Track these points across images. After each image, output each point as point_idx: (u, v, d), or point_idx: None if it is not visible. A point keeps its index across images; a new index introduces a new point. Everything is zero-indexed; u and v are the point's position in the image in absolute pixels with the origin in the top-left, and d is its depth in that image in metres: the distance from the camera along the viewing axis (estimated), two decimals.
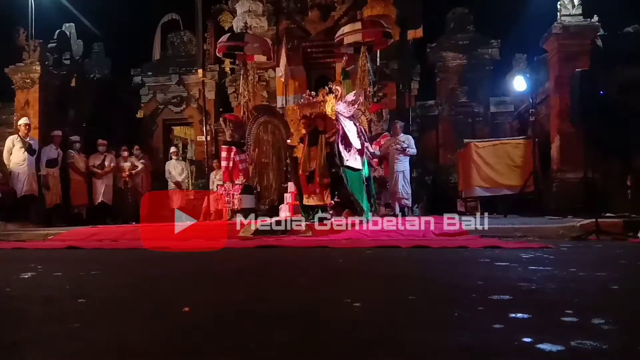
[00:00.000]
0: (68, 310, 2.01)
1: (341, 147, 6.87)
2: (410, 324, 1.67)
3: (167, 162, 11.79)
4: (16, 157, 9.60)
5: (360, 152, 7.10)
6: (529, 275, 2.68)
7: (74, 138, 10.86)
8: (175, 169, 11.58)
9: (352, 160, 6.93)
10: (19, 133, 9.75)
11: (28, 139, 9.75)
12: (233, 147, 8.54)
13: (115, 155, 11.07)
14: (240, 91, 9.67)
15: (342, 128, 6.90)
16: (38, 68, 11.34)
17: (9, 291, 2.58)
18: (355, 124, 7.18)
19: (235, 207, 8.37)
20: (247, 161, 8.47)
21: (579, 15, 9.03)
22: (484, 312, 1.77)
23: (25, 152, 9.59)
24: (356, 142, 7.00)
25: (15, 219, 9.25)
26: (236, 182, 8.52)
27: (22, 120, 9.86)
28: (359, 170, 7.03)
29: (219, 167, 9.61)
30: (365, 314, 1.83)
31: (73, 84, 12.70)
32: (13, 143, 9.66)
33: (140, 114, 14.02)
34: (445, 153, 12.76)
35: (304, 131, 7.05)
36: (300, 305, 2.06)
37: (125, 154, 11.13)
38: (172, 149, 12.06)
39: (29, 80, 11.39)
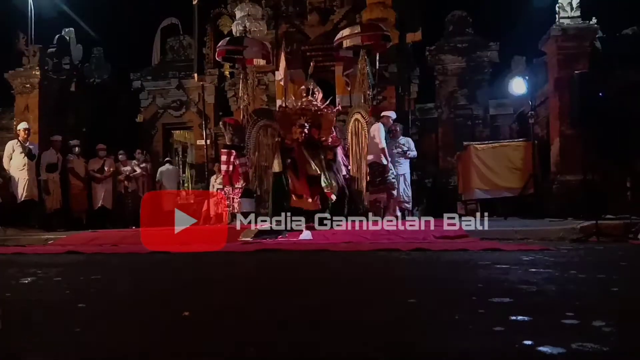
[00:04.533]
0: (69, 315, 2.01)
1: (340, 158, 6.99)
2: (411, 327, 1.67)
3: None
4: (16, 162, 9.60)
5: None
6: (529, 277, 2.68)
7: (73, 142, 10.85)
8: None
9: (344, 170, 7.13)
10: (19, 138, 9.75)
11: (28, 143, 9.75)
12: (233, 151, 8.54)
13: (115, 160, 11.07)
14: (240, 95, 9.68)
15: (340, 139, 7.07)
16: (37, 73, 11.36)
17: (10, 296, 2.58)
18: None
19: (235, 210, 8.37)
20: (247, 165, 8.47)
21: (578, 17, 9.05)
22: (485, 315, 1.77)
23: (25, 157, 9.58)
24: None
25: (15, 224, 9.24)
26: (236, 185, 8.52)
27: (22, 125, 9.86)
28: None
29: (219, 170, 9.62)
30: (365, 317, 1.83)
31: (73, 88, 12.72)
32: (13, 148, 9.66)
33: (140, 119, 14.04)
34: (444, 156, 12.77)
35: (296, 136, 7.07)
36: (300, 309, 2.06)
37: (123, 157, 11.12)
38: None
39: (28, 85, 11.40)
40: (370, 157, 7.76)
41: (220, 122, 9.93)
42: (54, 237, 7.47)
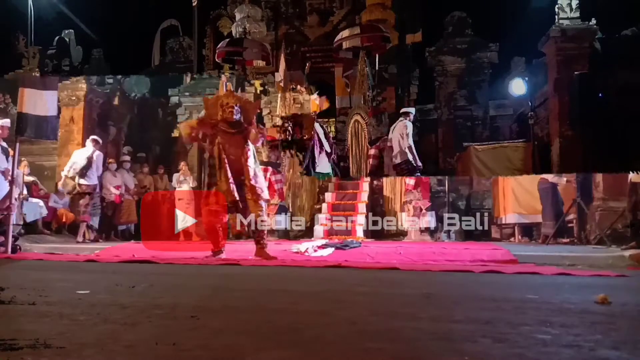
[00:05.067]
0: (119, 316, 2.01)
1: (315, 152, 6.87)
2: None
3: None
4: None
5: (329, 154, 7.15)
6: None
7: (124, 158, 10.40)
8: None
9: (324, 165, 6.97)
10: None
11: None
12: (269, 167, 8.34)
13: (152, 173, 10.77)
14: (278, 113, 9.46)
15: (317, 133, 6.93)
16: (37, 76, 11.33)
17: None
18: (321, 126, 7.22)
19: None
20: (282, 181, 8.21)
21: (577, 18, 9.05)
22: None
23: None
24: (326, 145, 7.04)
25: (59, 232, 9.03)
26: (271, 202, 8.23)
27: None
28: (328, 174, 7.08)
29: None
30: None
31: (116, 102, 12.53)
32: None
33: (176, 133, 13.91)
34: (444, 156, 12.77)
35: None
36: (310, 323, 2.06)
37: (161, 171, 10.94)
38: None
39: None
40: (397, 159, 7.53)
41: None
42: (100, 247, 7.01)
